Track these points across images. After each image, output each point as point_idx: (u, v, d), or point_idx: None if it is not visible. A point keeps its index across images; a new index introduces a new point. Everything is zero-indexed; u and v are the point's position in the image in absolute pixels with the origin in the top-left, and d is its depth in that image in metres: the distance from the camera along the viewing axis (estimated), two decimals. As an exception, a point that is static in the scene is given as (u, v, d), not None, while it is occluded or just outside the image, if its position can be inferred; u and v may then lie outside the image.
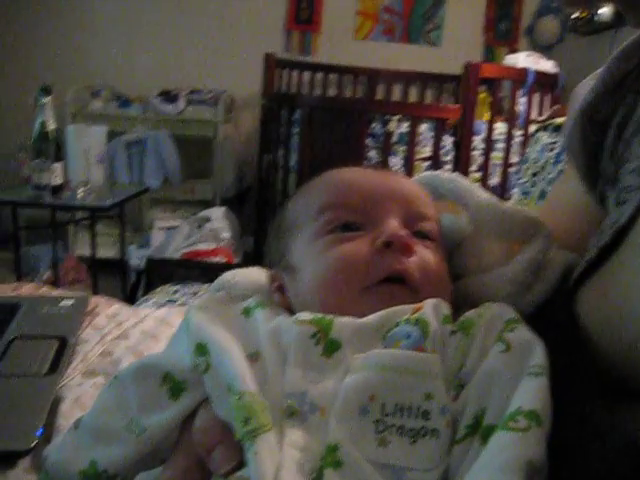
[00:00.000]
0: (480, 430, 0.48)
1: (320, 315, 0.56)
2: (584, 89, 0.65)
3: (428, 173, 0.75)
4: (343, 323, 0.55)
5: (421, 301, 0.57)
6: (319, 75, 4.36)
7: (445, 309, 0.56)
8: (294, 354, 0.54)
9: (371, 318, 0.55)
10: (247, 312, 0.61)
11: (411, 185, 0.69)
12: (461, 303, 0.60)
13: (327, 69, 4.33)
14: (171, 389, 0.57)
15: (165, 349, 0.63)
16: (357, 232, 0.62)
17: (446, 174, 0.73)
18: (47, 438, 0.76)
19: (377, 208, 0.63)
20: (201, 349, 0.56)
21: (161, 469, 0.57)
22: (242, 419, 0.49)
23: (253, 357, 0.55)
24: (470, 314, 0.56)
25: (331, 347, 0.54)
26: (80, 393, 0.87)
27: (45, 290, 1.28)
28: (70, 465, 0.59)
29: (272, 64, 3.99)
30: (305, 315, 0.56)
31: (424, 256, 0.61)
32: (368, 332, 0.54)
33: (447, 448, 0.49)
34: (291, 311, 0.60)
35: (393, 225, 0.62)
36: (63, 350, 0.96)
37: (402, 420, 0.49)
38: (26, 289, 1.24)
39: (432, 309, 0.55)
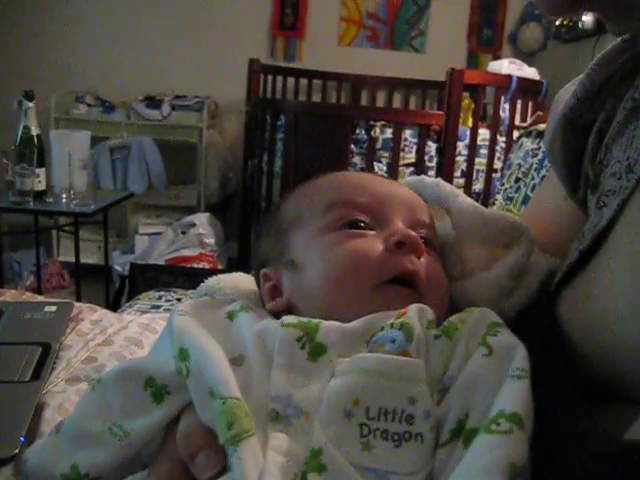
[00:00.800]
0: (463, 434, 0.49)
1: (306, 319, 0.56)
2: (566, 95, 0.66)
3: (412, 178, 0.75)
4: (329, 327, 0.55)
5: (426, 304, 0.57)
6: (303, 81, 4.36)
7: (429, 314, 0.56)
8: (279, 357, 0.54)
9: (356, 323, 0.55)
10: (231, 316, 0.61)
11: (412, 193, 0.70)
12: (450, 308, 0.61)
13: (311, 75, 4.34)
14: (153, 393, 0.57)
15: (148, 353, 0.63)
16: (367, 230, 0.63)
17: (430, 179, 0.73)
18: (30, 445, 0.75)
19: (385, 209, 0.64)
20: (183, 354, 0.55)
21: (145, 474, 0.57)
22: (225, 424, 0.49)
23: (237, 361, 0.55)
24: (453, 319, 0.57)
25: (317, 351, 0.54)
26: (63, 399, 0.86)
27: (28, 296, 1.27)
28: (51, 468, 0.58)
29: (256, 70, 4.00)
30: (291, 318, 0.56)
31: (429, 262, 0.62)
32: (353, 337, 0.55)
33: (431, 452, 0.49)
34: (279, 315, 0.60)
35: (402, 227, 0.62)
36: (46, 356, 0.96)
37: (386, 424, 0.49)
38: (9, 295, 1.23)
39: (416, 314, 0.55)
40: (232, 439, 0.48)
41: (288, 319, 0.56)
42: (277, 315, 0.61)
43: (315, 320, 0.56)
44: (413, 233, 0.61)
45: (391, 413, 0.49)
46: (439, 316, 0.58)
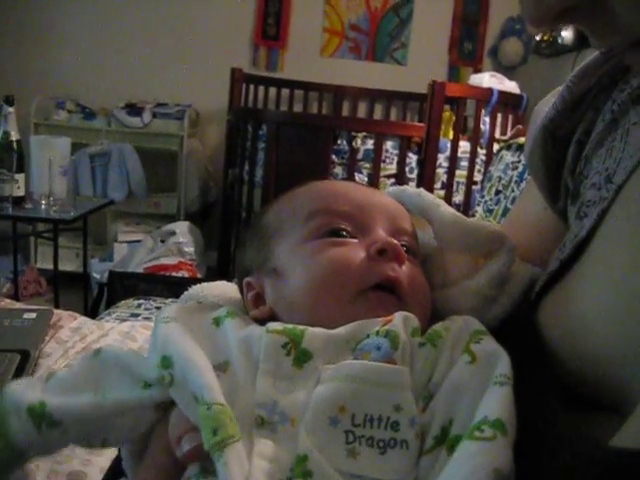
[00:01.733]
0: (447, 441, 0.49)
1: (291, 325, 0.56)
2: (545, 106, 0.67)
3: (395, 187, 0.75)
4: (314, 334, 0.55)
5: (408, 311, 0.58)
6: (285, 91, 4.37)
7: (414, 322, 0.56)
8: (265, 364, 0.54)
9: (342, 329, 0.56)
10: (217, 321, 0.61)
11: (392, 201, 0.70)
12: (432, 317, 0.61)
13: (293, 85, 4.35)
14: (145, 385, 0.58)
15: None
16: (349, 238, 0.63)
17: (412, 189, 0.74)
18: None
19: (366, 218, 0.64)
20: (166, 362, 0.55)
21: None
22: (210, 429, 0.49)
23: (222, 367, 0.55)
24: (437, 327, 0.57)
25: (302, 357, 0.54)
26: (42, 407, 0.85)
27: (7, 303, 1.26)
28: (22, 397, 0.59)
29: (239, 79, 4.00)
30: (276, 325, 0.57)
31: (411, 269, 0.62)
32: (339, 343, 0.55)
33: (416, 459, 0.50)
34: (264, 322, 0.60)
35: (383, 235, 0.63)
36: (25, 364, 0.95)
37: (372, 431, 0.49)
38: (-13, 301, 1.22)
39: (402, 322, 0.55)
40: (217, 445, 0.48)
41: (273, 325, 0.57)
42: (262, 323, 0.61)
43: (300, 327, 0.56)
44: (395, 241, 0.62)
45: (376, 420, 0.49)
46: (422, 322, 0.58)
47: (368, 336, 0.54)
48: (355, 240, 0.63)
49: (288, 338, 0.55)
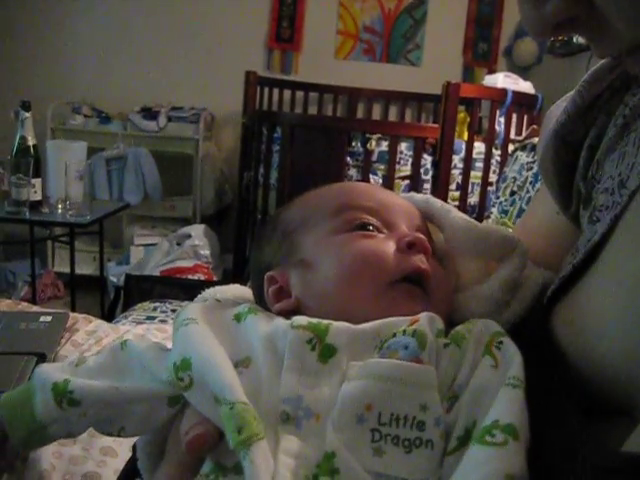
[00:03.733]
0: (471, 442, 0.49)
1: (316, 320, 0.56)
2: (557, 111, 0.66)
3: (401, 195, 0.76)
4: (339, 329, 0.56)
5: (433, 306, 0.59)
6: (300, 93, 4.38)
7: (439, 323, 0.57)
8: (290, 359, 0.54)
9: (367, 326, 0.56)
10: (238, 317, 0.61)
11: (409, 203, 0.71)
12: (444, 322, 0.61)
13: (308, 88, 4.36)
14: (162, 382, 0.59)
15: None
16: (377, 232, 0.65)
17: (419, 195, 0.74)
18: (24, 457, 0.75)
19: (390, 215, 0.66)
20: (185, 364, 0.56)
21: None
22: (235, 428, 0.49)
23: (244, 363, 0.56)
24: (460, 329, 0.58)
25: (327, 353, 0.54)
26: (58, 409, 0.86)
27: (24, 306, 1.27)
28: (50, 375, 0.62)
29: (253, 82, 4.00)
30: (301, 320, 0.57)
31: (434, 265, 0.64)
32: (364, 339, 0.55)
33: (440, 459, 0.50)
34: (287, 315, 0.61)
35: (411, 230, 0.65)
36: (41, 366, 0.96)
37: (397, 430, 0.50)
38: (4, 305, 1.24)
39: (428, 322, 0.56)
40: (243, 443, 0.49)
41: (298, 320, 0.57)
42: (286, 316, 0.61)
43: (325, 321, 0.56)
44: (422, 235, 0.63)
45: (402, 419, 0.50)
46: (443, 321, 0.59)
47: (395, 335, 0.55)
48: (383, 235, 0.65)
49: (313, 333, 0.55)
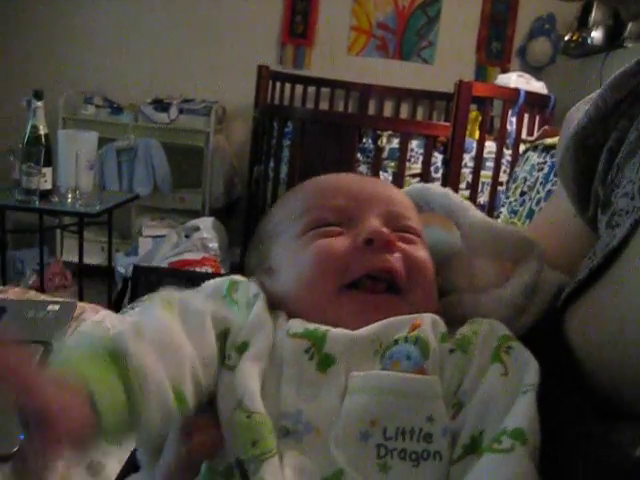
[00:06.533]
0: (478, 452, 0.48)
1: (313, 326, 0.55)
2: (578, 113, 0.66)
3: (419, 185, 0.75)
4: (336, 336, 0.54)
5: (407, 301, 0.57)
6: (311, 89, 4.37)
7: (442, 327, 0.55)
8: (289, 370, 0.53)
9: (365, 330, 0.54)
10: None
11: (392, 188, 0.69)
12: (453, 319, 0.59)
13: (320, 83, 4.35)
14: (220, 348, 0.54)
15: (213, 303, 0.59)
16: (337, 228, 0.62)
17: (438, 188, 0.73)
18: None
19: (358, 208, 0.63)
20: (244, 347, 0.54)
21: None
22: (250, 441, 0.48)
23: None
24: (466, 332, 0.56)
25: (325, 362, 0.53)
26: (64, 398, 0.86)
27: (32, 294, 1.27)
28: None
29: (265, 76, 4.00)
30: (297, 327, 0.55)
31: (409, 252, 0.61)
32: (363, 346, 0.54)
33: (447, 469, 0.49)
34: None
35: (374, 223, 0.61)
36: (48, 355, 0.96)
37: (404, 444, 0.48)
38: (12, 293, 1.24)
39: (430, 326, 0.54)
40: (256, 458, 0.48)
41: (294, 328, 0.55)
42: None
43: (322, 328, 0.54)
44: (383, 229, 0.60)
45: (409, 432, 0.49)
46: (428, 307, 0.58)
47: (397, 342, 0.53)
48: (343, 231, 0.62)
49: (310, 342, 0.53)
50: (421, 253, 0.62)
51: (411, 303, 0.58)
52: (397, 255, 0.60)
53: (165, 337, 0.50)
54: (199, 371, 0.50)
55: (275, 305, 0.60)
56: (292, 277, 0.61)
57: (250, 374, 0.52)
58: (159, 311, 0.53)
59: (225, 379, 0.53)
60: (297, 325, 0.55)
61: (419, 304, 0.59)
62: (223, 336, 0.55)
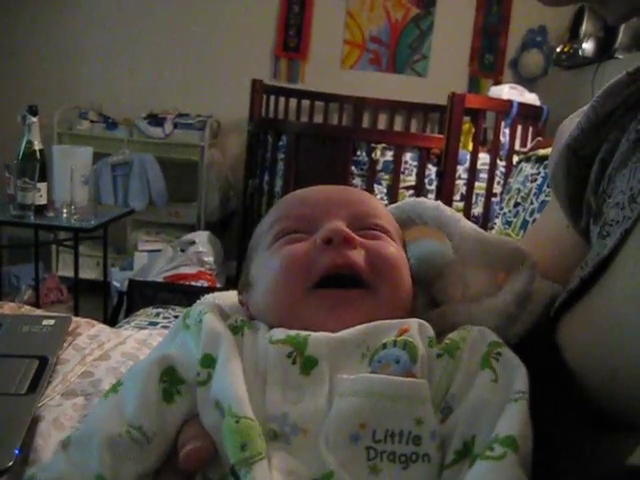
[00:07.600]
0: (470, 458, 0.49)
1: (294, 332, 0.56)
2: (570, 125, 0.66)
3: (412, 199, 0.76)
4: (318, 339, 0.55)
5: (376, 295, 0.58)
6: (305, 102, 4.39)
7: (429, 331, 0.56)
8: (272, 375, 0.54)
9: (349, 333, 0.55)
10: (235, 330, 0.60)
11: (361, 193, 0.70)
12: (446, 329, 0.60)
13: (314, 96, 4.36)
14: (165, 390, 0.56)
15: (166, 342, 0.62)
16: (302, 235, 0.63)
17: (430, 201, 0.74)
18: (24, 458, 0.75)
19: (322, 214, 0.64)
20: (208, 360, 0.55)
21: None
22: (239, 445, 0.49)
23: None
24: (454, 337, 0.57)
25: (308, 364, 0.53)
26: (59, 413, 0.86)
27: (27, 309, 1.27)
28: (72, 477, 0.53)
29: (259, 90, 4.02)
30: (279, 334, 0.56)
31: (373, 247, 0.62)
32: (348, 348, 0.55)
33: (438, 472, 0.49)
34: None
35: (334, 223, 0.62)
36: (43, 370, 0.96)
37: (393, 446, 0.49)
38: (7, 308, 1.24)
39: (417, 331, 0.55)
40: (245, 461, 0.48)
41: (276, 335, 0.56)
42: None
43: (303, 333, 0.55)
44: (341, 227, 0.61)
45: (398, 435, 0.49)
46: (399, 301, 0.59)
47: (385, 346, 0.54)
48: (308, 237, 0.63)
49: (292, 347, 0.54)
50: (388, 248, 0.63)
51: (380, 297, 0.59)
52: (359, 250, 0.61)
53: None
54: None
55: (257, 318, 0.63)
56: (264, 287, 0.63)
57: (232, 381, 0.53)
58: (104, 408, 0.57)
59: (202, 394, 0.55)
60: (279, 332, 0.57)
61: (389, 298, 0.60)
62: (171, 370, 0.57)
